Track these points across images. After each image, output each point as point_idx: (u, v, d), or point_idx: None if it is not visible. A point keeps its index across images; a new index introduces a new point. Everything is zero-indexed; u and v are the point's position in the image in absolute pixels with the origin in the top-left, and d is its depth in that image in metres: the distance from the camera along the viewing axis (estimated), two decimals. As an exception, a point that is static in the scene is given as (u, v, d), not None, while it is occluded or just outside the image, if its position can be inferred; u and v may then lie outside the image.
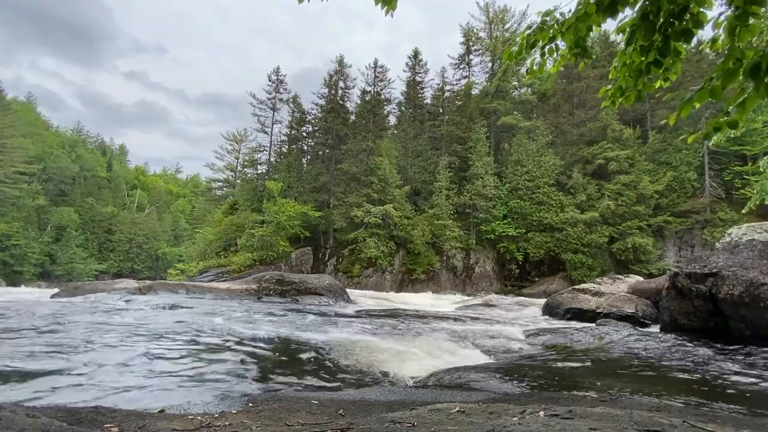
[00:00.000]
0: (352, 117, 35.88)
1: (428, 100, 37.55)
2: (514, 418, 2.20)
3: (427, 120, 35.20)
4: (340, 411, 2.95)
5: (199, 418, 2.54)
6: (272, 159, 37.62)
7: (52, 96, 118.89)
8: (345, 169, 31.39)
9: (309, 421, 2.55)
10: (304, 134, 38.43)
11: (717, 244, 9.01)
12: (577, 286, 12.11)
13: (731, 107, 2.24)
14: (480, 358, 5.68)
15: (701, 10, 2.32)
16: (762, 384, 4.21)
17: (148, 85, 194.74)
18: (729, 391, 3.98)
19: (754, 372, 4.73)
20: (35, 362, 4.32)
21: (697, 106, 2.36)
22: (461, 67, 37.64)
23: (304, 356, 5.23)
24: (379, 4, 2.54)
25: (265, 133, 37.28)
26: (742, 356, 5.53)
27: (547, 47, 2.89)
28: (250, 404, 3.16)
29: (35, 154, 47.60)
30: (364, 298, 15.95)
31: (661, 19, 2.39)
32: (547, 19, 2.84)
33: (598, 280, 14.21)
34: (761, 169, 11.40)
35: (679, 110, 2.47)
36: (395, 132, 37.56)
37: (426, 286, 27.07)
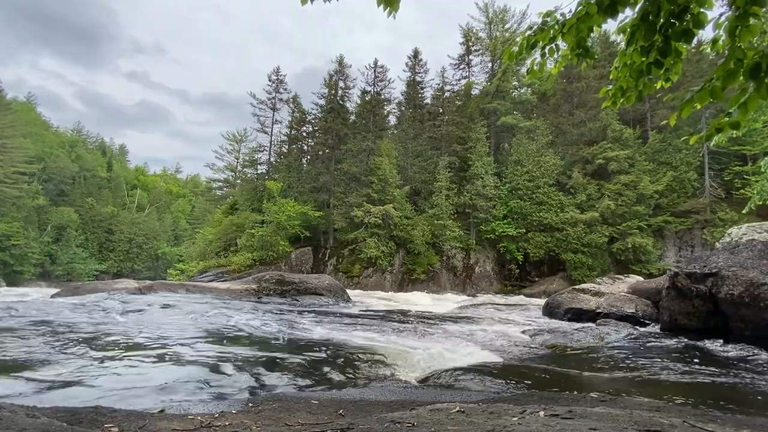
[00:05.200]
0: (352, 117, 35.86)
1: (428, 100, 37.54)
2: (514, 418, 2.20)
3: (427, 120, 35.18)
4: (340, 411, 2.95)
5: (199, 418, 2.54)
6: (272, 159, 37.61)
7: (54, 97, 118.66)
8: (345, 169, 31.38)
9: (309, 421, 2.55)
10: (304, 134, 38.42)
11: (717, 244, 9.01)
12: (577, 286, 12.11)
13: (733, 108, 2.23)
14: (480, 358, 5.68)
15: (702, 10, 2.32)
16: (762, 384, 4.21)
17: (150, 85, 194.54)
18: (729, 390, 3.98)
19: (754, 372, 4.73)
20: (35, 362, 4.32)
21: (698, 107, 2.36)
22: (461, 67, 37.65)
23: (304, 356, 5.23)
24: (381, 6, 2.54)
25: (265, 133, 37.28)
26: (742, 356, 5.53)
27: (548, 47, 2.89)
28: (250, 404, 3.16)
29: (35, 154, 47.50)
30: (364, 298, 15.96)
31: (662, 20, 2.39)
32: (548, 19, 2.84)
33: (598, 280, 14.22)
34: (761, 169, 11.40)
35: (679, 111, 2.47)
36: (395, 132, 37.54)
37: (426, 286, 27.07)
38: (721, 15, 2.33)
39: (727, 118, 2.27)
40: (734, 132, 9.84)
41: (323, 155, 35.74)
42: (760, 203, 11.10)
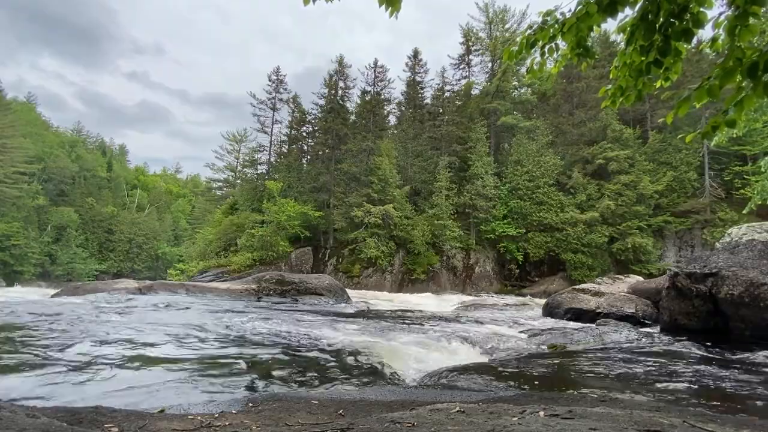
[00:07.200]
0: (352, 117, 35.87)
1: (428, 100, 37.56)
2: (514, 418, 2.20)
3: (427, 120, 35.19)
4: (340, 411, 2.95)
5: (199, 418, 2.54)
6: (272, 159, 37.62)
7: (54, 97, 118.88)
8: (345, 169, 31.39)
9: (309, 421, 2.55)
10: (304, 134, 38.44)
11: (717, 244, 9.01)
12: (577, 286, 12.10)
13: (730, 107, 2.24)
14: (480, 358, 5.68)
15: (701, 9, 2.32)
16: (762, 384, 4.21)
17: (150, 85, 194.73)
18: (729, 391, 3.97)
19: (753, 372, 4.72)
20: (35, 362, 4.32)
21: (697, 105, 2.36)
22: (461, 67, 37.66)
23: (304, 356, 5.22)
24: (383, 6, 2.53)
25: (265, 133, 37.30)
26: (742, 356, 5.53)
27: (548, 47, 2.89)
28: (250, 404, 3.16)
29: (35, 154, 47.50)
30: (364, 298, 15.95)
31: (661, 19, 2.39)
32: (548, 19, 2.84)
33: (598, 280, 14.22)
34: (761, 169, 11.39)
35: (676, 109, 2.47)
36: (395, 132, 37.55)
37: (426, 286, 27.07)
38: (720, 14, 2.33)
39: (723, 117, 2.27)
40: (734, 132, 9.77)
41: (323, 155, 35.75)
42: (760, 203, 11.09)
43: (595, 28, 2.67)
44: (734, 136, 10.60)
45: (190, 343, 5.62)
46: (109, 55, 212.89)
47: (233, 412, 2.86)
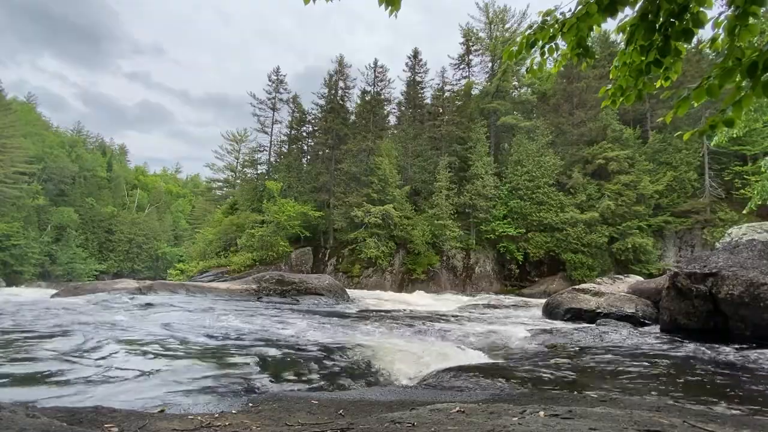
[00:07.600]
0: (352, 117, 35.87)
1: (428, 100, 37.56)
2: (514, 418, 2.20)
3: (427, 120, 35.19)
4: (340, 411, 2.95)
5: (199, 418, 2.54)
6: (272, 159, 37.64)
7: (56, 98, 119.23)
8: (345, 169, 31.40)
9: (309, 421, 2.55)
10: (304, 134, 38.46)
11: (717, 244, 9.01)
12: (577, 286, 12.09)
13: (728, 106, 2.24)
14: (480, 358, 5.68)
15: (701, 9, 2.32)
16: (762, 384, 4.21)
17: (151, 85, 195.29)
18: (729, 391, 3.97)
19: (753, 372, 4.73)
20: (35, 362, 4.32)
21: (696, 105, 2.36)
22: (461, 67, 37.65)
23: (304, 356, 5.22)
24: (383, 5, 2.53)
25: (265, 133, 37.33)
26: (742, 356, 5.53)
27: (548, 46, 2.89)
28: (250, 404, 3.16)
29: (35, 154, 47.50)
30: (364, 298, 15.95)
31: (661, 19, 2.39)
32: (548, 18, 2.84)
33: (598, 280, 14.20)
34: (761, 169, 11.39)
35: (675, 109, 2.47)
36: (395, 132, 37.56)
37: (426, 286, 27.05)
38: (720, 14, 2.33)
39: (722, 116, 2.27)
40: (734, 132, 9.73)
41: (323, 155, 35.76)
42: (760, 203, 11.09)
43: (595, 28, 2.67)
44: (734, 136, 10.58)
45: (190, 343, 5.62)
46: (110, 56, 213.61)
47: (233, 412, 2.86)
